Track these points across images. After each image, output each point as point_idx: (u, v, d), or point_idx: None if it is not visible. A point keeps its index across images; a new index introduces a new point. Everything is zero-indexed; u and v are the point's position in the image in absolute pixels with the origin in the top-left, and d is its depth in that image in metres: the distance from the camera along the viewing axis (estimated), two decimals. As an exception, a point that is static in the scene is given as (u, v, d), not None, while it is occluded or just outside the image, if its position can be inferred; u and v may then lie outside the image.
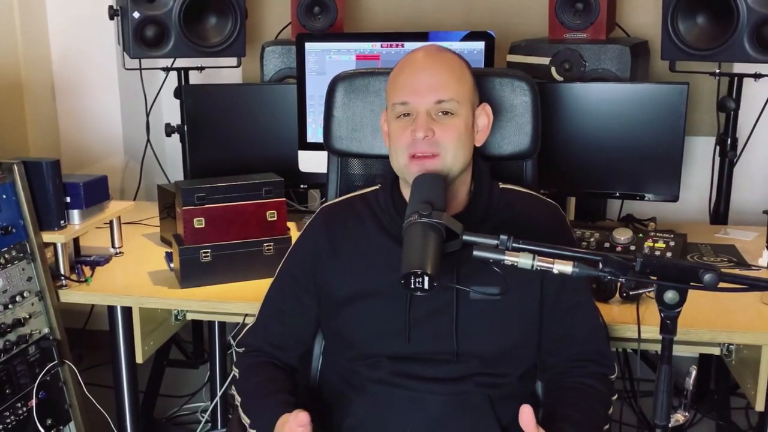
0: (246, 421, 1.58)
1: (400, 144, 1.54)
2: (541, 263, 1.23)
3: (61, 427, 2.11)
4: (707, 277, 1.14)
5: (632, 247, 2.19)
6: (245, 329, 1.74)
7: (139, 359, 2.19)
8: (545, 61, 2.63)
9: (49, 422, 2.05)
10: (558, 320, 1.59)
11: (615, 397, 1.61)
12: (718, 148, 2.72)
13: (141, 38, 2.67)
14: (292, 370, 1.70)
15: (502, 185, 1.66)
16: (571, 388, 1.57)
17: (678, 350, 1.29)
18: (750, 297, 1.94)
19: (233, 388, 1.68)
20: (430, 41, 2.26)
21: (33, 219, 2.06)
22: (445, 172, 1.52)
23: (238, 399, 1.64)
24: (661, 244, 2.19)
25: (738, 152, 2.71)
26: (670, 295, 1.17)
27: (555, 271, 1.22)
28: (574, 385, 1.57)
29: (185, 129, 2.66)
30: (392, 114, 1.57)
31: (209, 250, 2.07)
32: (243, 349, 1.72)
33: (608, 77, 2.56)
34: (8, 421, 1.93)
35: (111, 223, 2.34)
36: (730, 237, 2.44)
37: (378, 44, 2.35)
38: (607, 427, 1.56)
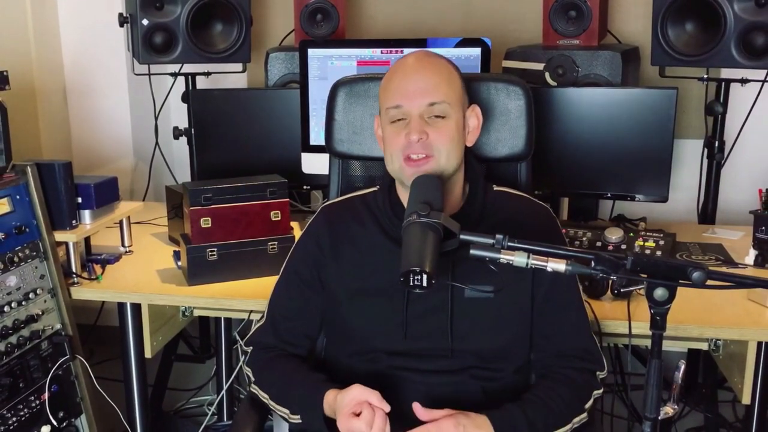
0: (283, 411, 1.58)
1: (394, 147, 1.56)
2: (535, 261, 1.25)
3: (73, 420, 2.12)
4: (695, 274, 1.16)
5: (623, 246, 2.21)
6: (254, 328, 1.73)
7: (147, 354, 2.21)
8: (539, 66, 2.64)
9: (61, 415, 2.07)
10: (547, 318, 1.61)
11: (600, 391, 1.61)
12: (706, 150, 2.75)
13: (150, 44, 2.69)
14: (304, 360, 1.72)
15: (496, 188, 1.69)
16: (545, 377, 1.60)
17: (667, 345, 1.29)
18: (737, 294, 1.97)
19: (253, 387, 1.66)
20: (429, 47, 2.27)
21: (45, 219, 2.07)
22: (439, 172, 1.55)
23: (263, 395, 1.63)
24: (651, 243, 2.21)
25: (725, 154, 2.73)
26: (659, 292, 1.18)
27: (549, 269, 1.24)
28: (549, 374, 1.60)
29: (192, 132, 2.68)
30: (386, 118, 1.59)
31: (215, 249, 2.09)
32: (252, 347, 1.72)
33: (600, 82, 2.57)
34: (22, 413, 1.95)
35: (121, 222, 2.36)
36: (718, 236, 2.46)
37: (378, 50, 2.36)
38: (580, 418, 1.55)
